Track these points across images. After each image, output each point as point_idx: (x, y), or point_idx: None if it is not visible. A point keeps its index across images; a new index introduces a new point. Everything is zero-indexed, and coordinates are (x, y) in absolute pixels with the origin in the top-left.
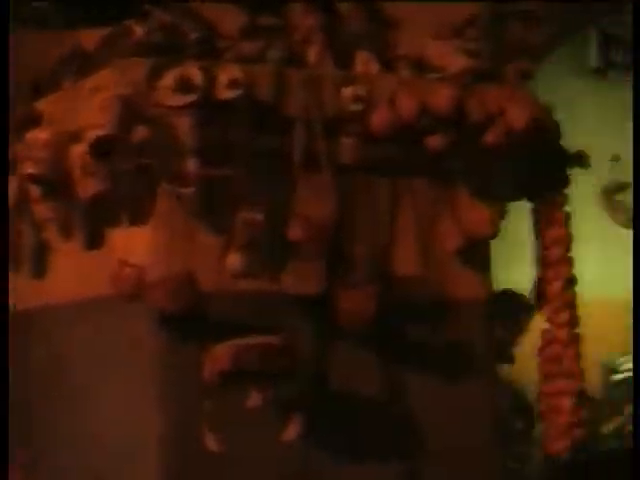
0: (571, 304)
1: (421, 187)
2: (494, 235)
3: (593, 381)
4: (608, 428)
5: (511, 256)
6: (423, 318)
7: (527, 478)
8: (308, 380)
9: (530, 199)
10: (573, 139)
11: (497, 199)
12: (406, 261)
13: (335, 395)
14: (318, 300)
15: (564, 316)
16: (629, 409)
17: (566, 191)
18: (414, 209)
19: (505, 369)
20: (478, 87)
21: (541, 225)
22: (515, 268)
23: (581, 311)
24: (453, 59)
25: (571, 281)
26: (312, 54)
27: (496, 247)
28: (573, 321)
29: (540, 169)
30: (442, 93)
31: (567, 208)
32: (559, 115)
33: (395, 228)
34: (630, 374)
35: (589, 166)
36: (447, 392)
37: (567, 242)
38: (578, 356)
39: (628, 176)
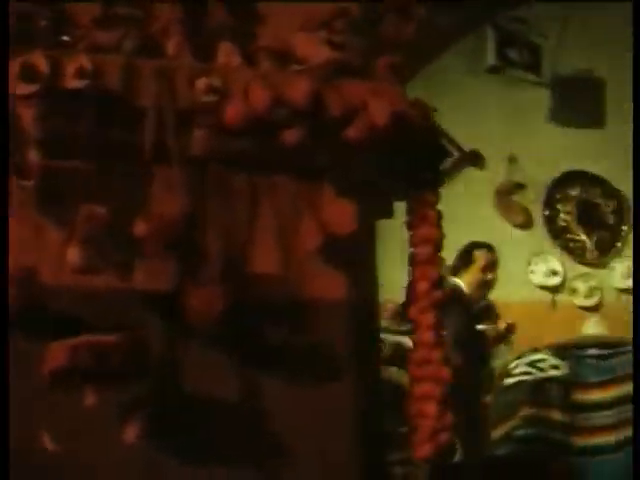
0: (438, 305)
1: (282, 183)
2: (357, 233)
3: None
4: (498, 433)
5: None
6: (282, 318)
7: None
8: (156, 380)
9: (402, 197)
10: (469, 138)
11: (363, 196)
12: (264, 259)
13: (187, 396)
14: (169, 297)
15: (430, 318)
16: (522, 412)
17: (439, 189)
18: (274, 206)
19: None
20: (341, 80)
21: (412, 224)
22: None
23: None
24: (316, 51)
25: (439, 282)
26: (170, 45)
27: (387, 247)
28: (439, 323)
29: (411, 166)
30: (299, 85)
31: (439, 207)
32: (454, 113)
33: (254, 225)
34: (523, 377)
35: (484, 166)
36: (306, 394)
37: (436, 241)
38: (445, 359)
39: (524, 176)
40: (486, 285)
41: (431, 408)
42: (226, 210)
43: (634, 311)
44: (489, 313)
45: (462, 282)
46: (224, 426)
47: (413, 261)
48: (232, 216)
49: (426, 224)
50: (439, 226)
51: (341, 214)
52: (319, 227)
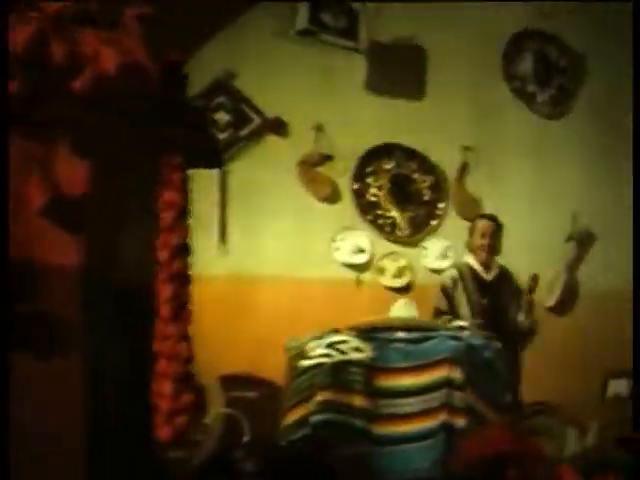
0: (179, 276)
1: (12, 139)
2: (97, 195)
3: (279, 366)
4: (292, 418)
5: None
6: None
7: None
8: None
9: (147, 158)
10: (273, 104)
11: (105, 156)
12: None
13: None
14: None
15: (168, 290)
16: (318, 397)
17: (185, 151)
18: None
19: None
20: (74, 29)
21: (159, 188)
22: None
23: (276, 290)
24: None
25: (180, 250)
26: None
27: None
28: (178, 296)
29: (158, 126)
30: (19, 33)
31: (186, 170)
32: (258, 78)
33: None
34: (321, 360)
35: (287, 134)
36: (34, 367)
37: (180, 207)
38: (184, 336)
39: (331, 148)
40: (482, 248)
41: (167, 387)
42: None
43: (634, 311)
44: (504, 278)
45: (469, 248)
46: None
47: (158, 228)
48: None
49: (170, 188)
50: (184, 191)
51: (73, 173)
52: (47, 186)
